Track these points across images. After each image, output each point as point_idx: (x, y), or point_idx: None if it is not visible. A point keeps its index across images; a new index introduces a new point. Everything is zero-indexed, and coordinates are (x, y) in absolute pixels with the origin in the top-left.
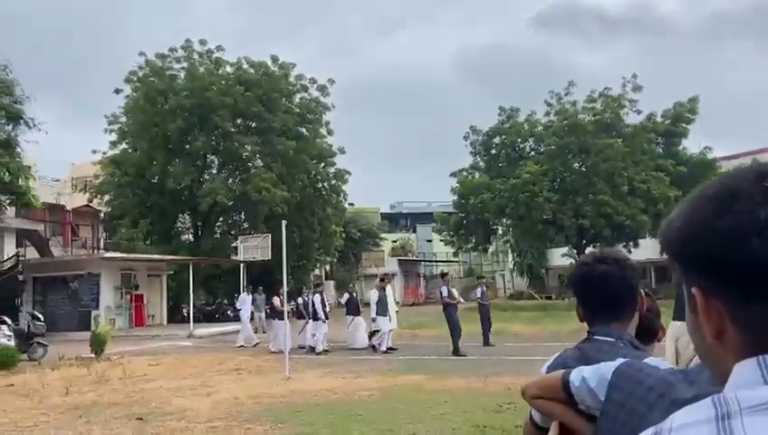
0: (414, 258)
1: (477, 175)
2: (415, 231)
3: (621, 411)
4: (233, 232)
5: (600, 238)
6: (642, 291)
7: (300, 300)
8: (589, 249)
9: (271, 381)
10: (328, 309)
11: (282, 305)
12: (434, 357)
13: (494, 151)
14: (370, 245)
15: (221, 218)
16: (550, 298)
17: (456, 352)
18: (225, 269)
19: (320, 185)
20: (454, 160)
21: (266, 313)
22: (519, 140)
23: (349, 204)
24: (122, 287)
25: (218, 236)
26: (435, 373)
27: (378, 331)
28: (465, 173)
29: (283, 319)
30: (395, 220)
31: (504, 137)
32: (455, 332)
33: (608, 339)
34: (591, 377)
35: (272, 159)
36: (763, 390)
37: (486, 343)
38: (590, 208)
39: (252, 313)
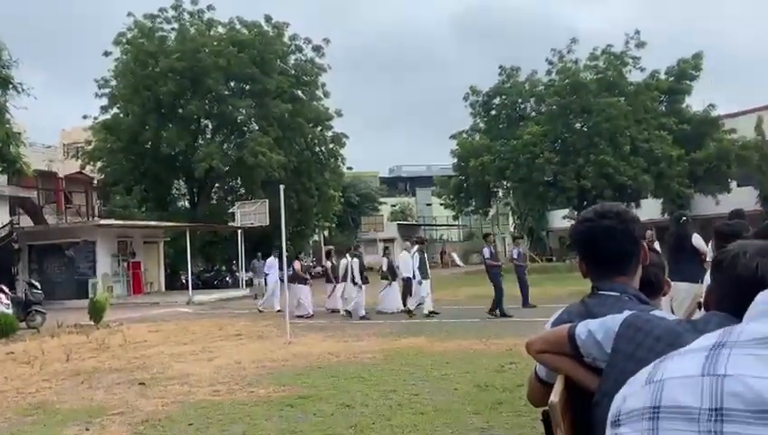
0: (414, 222)
1: (477, 137)
2: (414, 195)
3: (629, 362)
4: (229, 198)
5: (601, 199)
6: (645, 244)
7: (328, 263)
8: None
9: (272, 345)
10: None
11: (302, 270)
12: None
13: (494, 112)
14: (369, 209)
15: (217, 184)
16: (551, 260)
17: (503, 313)
18: (222, 236)
19: (317, 149)
20: (454, 122)
21: (288, 276)
22: (520, 100)
23: (347, 168)
24: (119, 255)
25: (215, 202)
26: (436, 336)
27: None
28: (464, 135)
29: (305, 283)
30: (394, 184)
31: (504, 97)
32: (497, 292)
33: (613, 293)
34: (598, 329)
35: (267, 123)
36: None
37: (526, 304)
38: (592, 169)
39: (251, 279)
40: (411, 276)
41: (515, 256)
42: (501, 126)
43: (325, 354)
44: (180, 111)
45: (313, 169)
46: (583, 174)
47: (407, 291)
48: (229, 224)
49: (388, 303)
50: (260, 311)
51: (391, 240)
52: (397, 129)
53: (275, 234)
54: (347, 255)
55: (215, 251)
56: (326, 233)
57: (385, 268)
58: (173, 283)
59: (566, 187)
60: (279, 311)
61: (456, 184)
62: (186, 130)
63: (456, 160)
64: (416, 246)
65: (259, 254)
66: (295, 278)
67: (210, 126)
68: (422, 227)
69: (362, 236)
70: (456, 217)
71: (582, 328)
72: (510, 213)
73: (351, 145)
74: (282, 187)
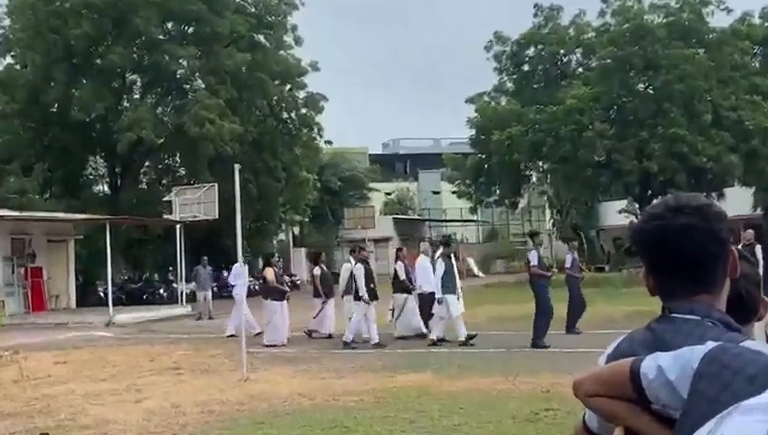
0: (416, 217)
1: (503, 101)
2: (417, 179)
3: (712, 408)
4: (165, 181)
5: (672, 188)
6: (735, 250)
7: (316, 271)
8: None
9: (223, 382)
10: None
11: (278, 281)
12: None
13: (526, 68)
14: (355, 199)
15: (148, 163)
16: (602, 270)
17: (538, 343)
18: (154, 233)
19: (285, 116)
20: (471, 82)
21: (260, 288)
22: (561, 51)
23: (325, 142)
24: (13, 258)
25: (145, 186)
26: (446, 371)
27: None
28: (486, 99)
29: (280, 299)
30: (389, 164)
31: (540, 47)
32: (541, 313)
33: (691, 317)
34: (670, 367)
35: (217, 80)
36: None
37: (571, 328)
38: (659, 146)
39: (193, 292)
40: (433, 291)
41: (568, 265)
42: (535, 86)
43: (295, 396)
44: (98, 61)
45: (280, 143)
46: (647, 152)
47: (428, 310)
48: (164, 217)
49: (409, 323)
50: (230, 336)
51: (385, 240)
52: (394, 90)
53: (227, 231)
54: (350, 259)
55: (144, 254)
56: (296, 230)
57: (403, 276)
58: (87, 297)
59: (623, 169)
60: (232, 335)
61: (475, 165)
62: (106, 88)
63: (473, 133)
64: (440, 249)
65: (205, 258)
66: (268, 292)
67: (139, 83)
68: (426, 224)
69: (345, 235)
70: (473, 211)
71: (650, 364)
72: (546, 205)
73: (332, 111)
74: (237, 166)
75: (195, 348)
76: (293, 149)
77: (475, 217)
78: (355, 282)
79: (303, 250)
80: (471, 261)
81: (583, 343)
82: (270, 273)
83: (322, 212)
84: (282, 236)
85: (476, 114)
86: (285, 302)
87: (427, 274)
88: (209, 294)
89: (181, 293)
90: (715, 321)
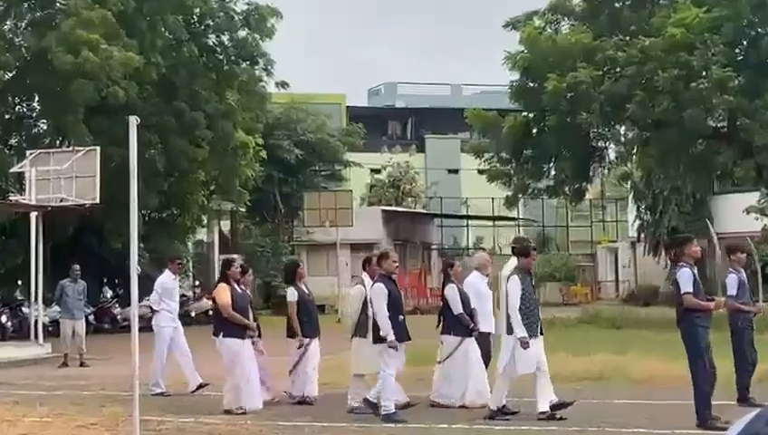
0: (420, 210)
1: (566, 27)
2: (423, 149)
3: None
4: (13, 141)
5: None
6: None
7: (292, 294)
8: None
9: None
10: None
11: (236, 306)
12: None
13: None
14: (322, 178)
15: None
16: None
17: (743, 399)
18: None
19: (212, 40)
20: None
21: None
22: None
23: (278, 85)
24: None
25: None
26: None
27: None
28: (538, 22)
29: (241, 336)
30: (380, 124)
31: None
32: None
33: None
34: None
35: None
36: None
37: (744, 398)
38: None
39: (56, 320)
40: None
41: (733, 291)
42: (618, 4)
43: None
44: None
45: (203, 85)
46: None
47: (486, 359)
48: (11, 199)
49: (454, 384)
50: (159, 394)
51: (367, 246)
52: (388, 8)
53: (114, 224)
54: (362, 276)
55: None
56: (225, 226)
57: (458, 307)
58: None
59: (756, 144)
60: (201, 386)
61: (517, 129)
62: None
63: (516, 78)
64: (512, 261)
65: (76, 267)
66: (222, 324)
67: None
68: (435, 222)
69: (303, 236)
70: (511, 203)
71: None
72: (630, 197)
73: (288, 37)
74: (133, 119)
75: (58, 412)
76: (225, 94)
77: (514, 214)
78: (373, 313)
79: (236, 258)
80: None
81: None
82: (224, 293)
83: (268, 198)
84: (203, 235)
85: (522, 47)
86: (248, 341)
87: (484, 303)
88: (82, 324)
89: (36, 322)
90: None
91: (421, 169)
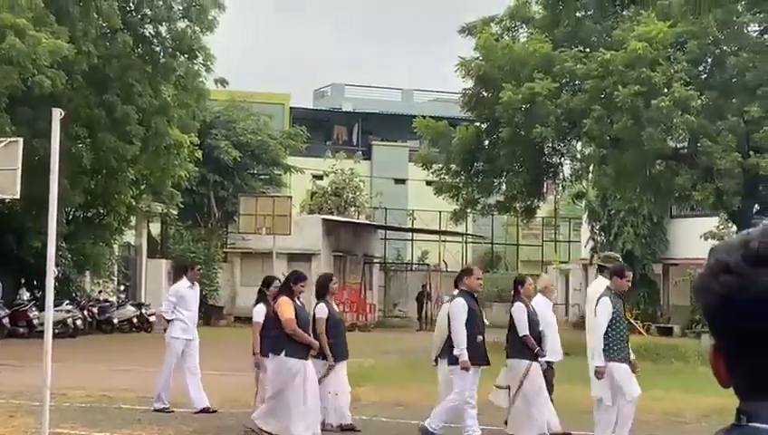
0: (364, 220)
1: (523, 35)
2: (369, 156)
3: None
4: None
5: None
6: None
7: (321, 310)
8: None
9: None
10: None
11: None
12: None
13: None
14: (261, 182)
15: None
16: (669, 331)
17: None
18: None
19: (149, 30)
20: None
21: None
22: None
23: (218, 82)
24: None
25: None
26: None
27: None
28: (495, 29)
29: (304, 356)
30: (324, 127)
31: None
32: None
33: None
34: None
35: None
36: None
37: None
38: None
39: None
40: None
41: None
42: (579, 14)
43: None
44: None
45: (137, 78)
46: (757, 140)
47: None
48: None
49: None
50: (162, 410)
51: (308, 256)
52: (340, 7)
53: (33, 223)
54: (455, 292)
55: None
56: (155, 229)
57: (524, 329)
58: None
59: (716, 166)
60: (206, 411)
61: (468, 140)
62: None
63: (470, 86)
64: (599, 278)
65: None
66: (282, 343)
67: None
68: (379, 234)
69: (237, 242)
70: (458, 217)
71: None
72: (584, 216)
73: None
74: (57, 112)
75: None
76: (160, 89)
77: (461, 229)
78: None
79: (164, 263)
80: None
81: None
82: (287, 307)
83: (202, 201)
84: (130, 237)
85: (477, 54)
86: (309, 361)
87: (550, 330)
88: None
89: None
90: None
91: (366, 177)
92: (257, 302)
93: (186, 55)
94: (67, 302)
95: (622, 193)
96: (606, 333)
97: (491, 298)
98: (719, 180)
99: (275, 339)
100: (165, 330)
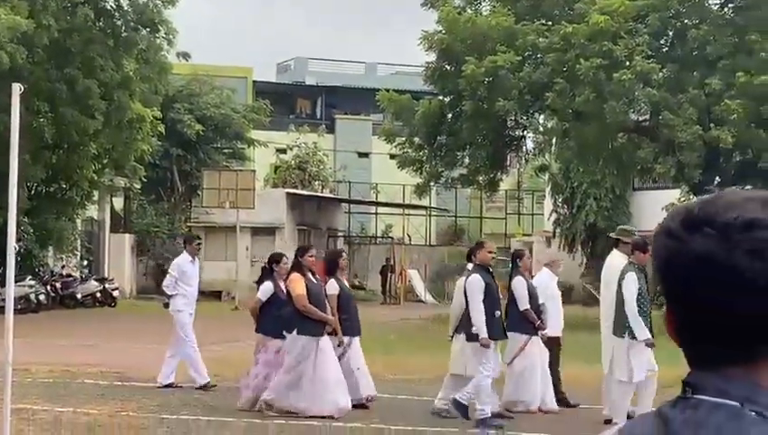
0: (328, 194)
1: (486, 8)
2: (333, 130)
3: None
4: None
5: (753, 173)
6: None
7: (333, 287)
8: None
9: None
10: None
11: (314, 300)
12: None
13: None
14: (224, 156)
15: None
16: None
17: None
18: None
19: (108, 4)
20: None
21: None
22: None
23: (180, 55)
24: None
25: None
26: None
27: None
28: (457, 2)
29: (319, 333)
30: (287, 101)
31: None
32: None
33: (723, 401)
34: None
35: None
36: None
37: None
38: (739, 104)
39: None
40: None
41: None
42: None
43: None
44: None
45: (98, 52)
46: (718, 113)
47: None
48: None
49: (528, 385)
50: (203, 386)
51: (270, 230)
52: None
53: None
54: (469, 267)
55: None
56: (117, 203)
57: (525, 303)
58: None
59: (678, 139)
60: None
61: (431, 113)
62: None
63: (433, 59)
64: (621, 253)
65: None
66: (298, 321)
67: None
68: (343, 207)
69: (200, 217)
70: (421, 190)
71: None
72: (547, 189)
73: (193, 4)
74: (17, 87)
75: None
76: (122, 63)
77: (425, 203)
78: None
79: (128, 237)
80: (414, 276)
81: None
82: (298, 283)
83: (165, 175)
84: (93, 211)
85: (439, 27)
86: (326, 337)
87: (554, 304)
88: None
89: None
90: (763, 409)
91: (330, 150)
92: (261, 280)
93: (148, 29)
94: (30, 277)
95: (585, 166)
96: (640, 307)
97: (455, 271)
98: (680, 153)
99: (288, 316)
100: (165, 305)
